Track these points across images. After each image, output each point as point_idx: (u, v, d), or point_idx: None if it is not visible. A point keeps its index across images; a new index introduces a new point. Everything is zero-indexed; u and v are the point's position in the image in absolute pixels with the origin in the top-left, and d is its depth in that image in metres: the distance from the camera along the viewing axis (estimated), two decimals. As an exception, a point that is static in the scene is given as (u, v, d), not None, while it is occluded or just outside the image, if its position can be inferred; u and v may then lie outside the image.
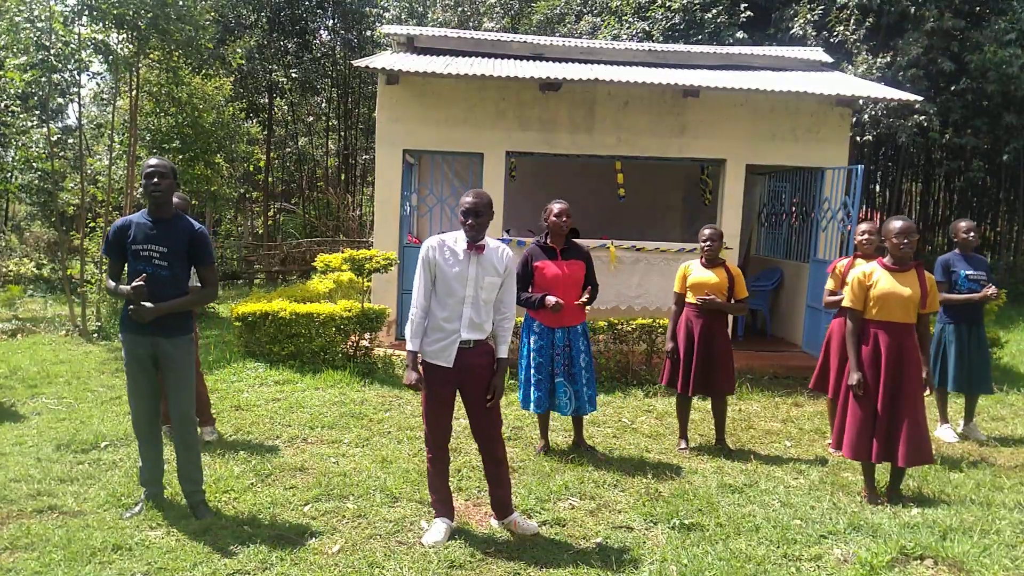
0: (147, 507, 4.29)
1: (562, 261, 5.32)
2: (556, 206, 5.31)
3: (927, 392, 4.63)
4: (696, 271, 5.69)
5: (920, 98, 9.42)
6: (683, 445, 5.82)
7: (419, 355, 3.98)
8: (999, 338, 8.70)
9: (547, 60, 9.94)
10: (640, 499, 4.66)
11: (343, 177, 25.39)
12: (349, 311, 7.88)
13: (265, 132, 22.89)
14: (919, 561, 3.47)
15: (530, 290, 5.35)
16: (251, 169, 18.67)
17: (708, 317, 5.65)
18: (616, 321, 7.98)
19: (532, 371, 5.38)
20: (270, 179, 24.26)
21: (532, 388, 5.39)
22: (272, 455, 5.29)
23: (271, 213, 23.54)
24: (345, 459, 5.27)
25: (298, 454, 5.35)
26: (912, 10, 14.29)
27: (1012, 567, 3.39)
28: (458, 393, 4.05)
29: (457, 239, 3.97)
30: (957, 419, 6.54)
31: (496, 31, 16.17)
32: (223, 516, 4.23)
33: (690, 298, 5.69)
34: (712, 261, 5.69)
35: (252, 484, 4.74)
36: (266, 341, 7.93)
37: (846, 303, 4.75)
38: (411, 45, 10.09)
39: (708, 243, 5.64)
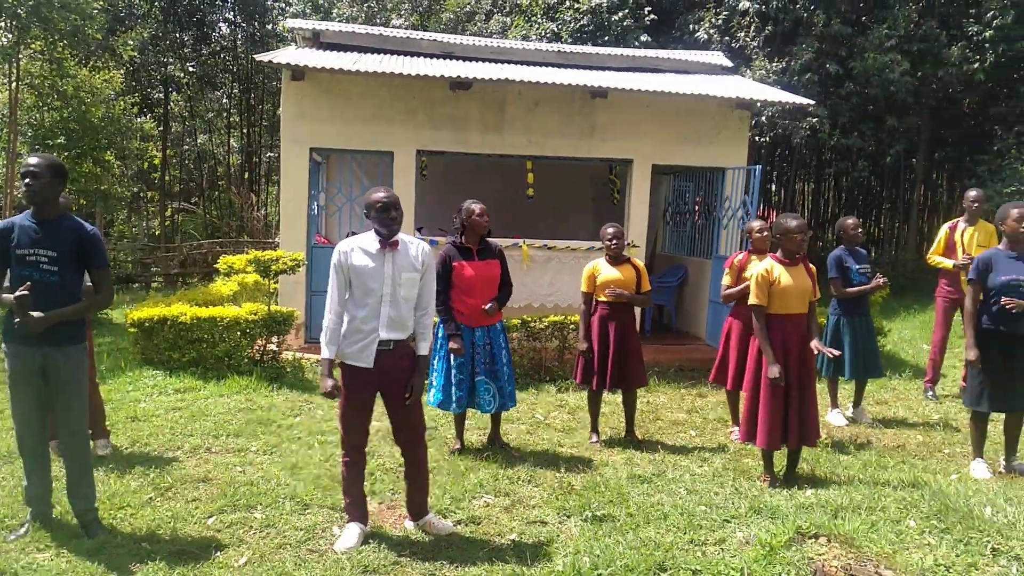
0: (33, 528, 4.04)
1: (478, 261, 5.34)
2: (476, 206, 5.31)
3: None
4: (605, 270, 5.80)
5: (812, 102, 9.91)
6: (594, 438, 5.93)
7: (334, 362, 3.91)
8: (883, 327, 9.25)
9: (457, 59, 9.93)
10: (553, 493, 4.72)
11: (247, 176, 24.62)
12: (255, 314, 7.66)
13: (161, 128, 21.95)
14: (814, 539, 3.64)
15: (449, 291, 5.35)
16: (145, 167, 17.86)
17: (620, 314, 5.78)
18: (529, 319, 8.07)
19: (454, 371, 5.36)
20: (167, 178, 23.28)
21: (454, 388, 5.37)
22: (172, 467, 5.08)
23: (168, 213, 22.59)
24: (252, 468, 5.12)
25: (201, 465, 5.16)
26: (804, 16, 15.00)
27: (897, 541, 3.61)
28: (378, 396, 4.01)
29: (368, 239, 3.93)
30: (846, 404, 6.92)
31: (404, 29, 16.02)
32: (119, 534, 4.02)
33: (600, 296, 5.80)
34: (618, 258, 5.82)
35: (151, 499, 4.54)
36: (165, 347, 7.61)
37: (753, 300, 4.90)
38: (317, 40, 9.89)
39: (614, 241, 5.76)
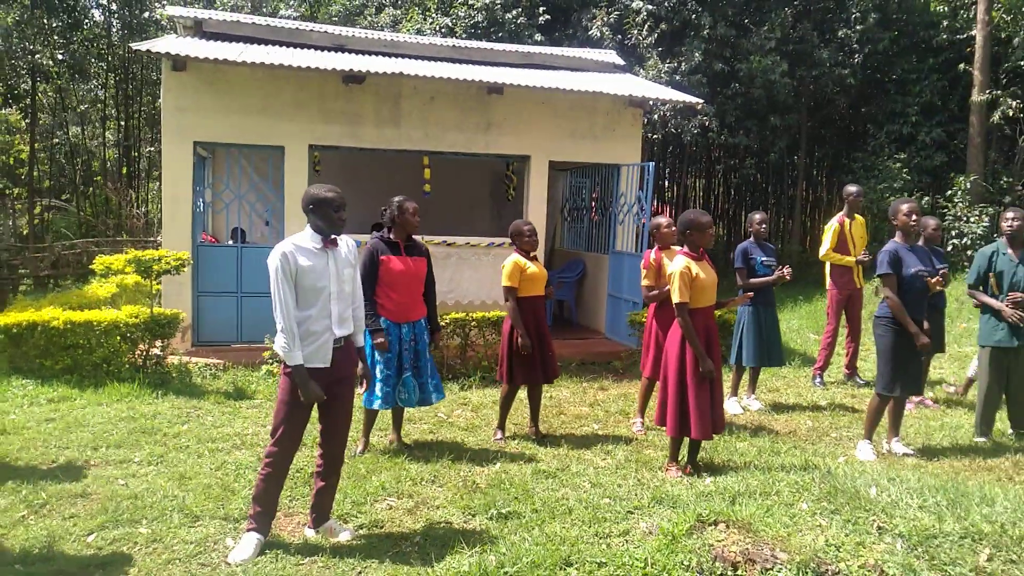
0: None
1: (407, 257, 5.26)
2: (411, 204, 5.26)
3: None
4: (531, 265, 5.74)
5: (701, 100, 10.22)
6: (499, 435, 5.90)
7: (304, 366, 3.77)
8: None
9: (349, 52, 9.68)
10: (458, 493, 4.66)
11: (125, 171, 23.26)
12: (136, 317, 7.23)
13: (28, 121, 20.42)
14: (714, 526, 3.72)
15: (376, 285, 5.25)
16: (11, 162, 16.58)
17: (539, 310, 5.80)
18: (428, 316, 7.94)
19: (380, 367, 5.24)
20: (36, 173, 21.72)
21: (380, 384, 5.25)
22: (47, 482, 4.70)
23: (38, 211, 21.08)
24: (136, 480, 4.81)
25: (79, 479, 4.80)
26: (692, 18, 15.50)
27: (790, 523, 3.73)
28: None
29: (306, 238, 3.85)
30: (741, 393, 7.16)
31: (293, 20, 15.52)
32: (-12, 556, 3.69)
33: (527, 291, 5.71)
34: (530, 254, 5.80)
35: (23, 517, 4.19)
36: (36, 355, 7.07)
37: (678, 298, 4.90)
38: (199, 29, 9.42)
39: (532, 237, 5.74)
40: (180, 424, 6.05)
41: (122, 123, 23.36)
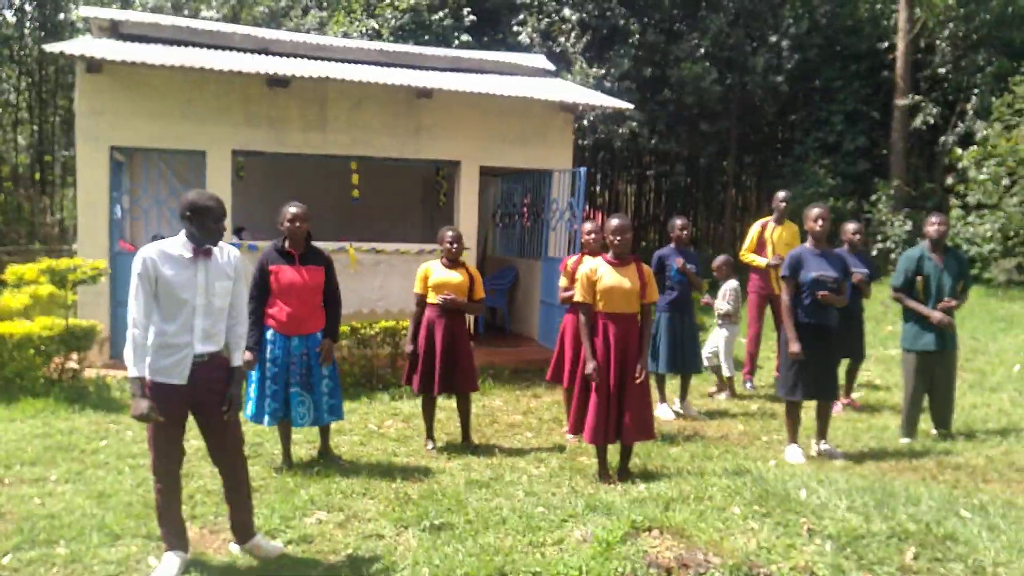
0: None
1: (300, 267, 5.07)
2: (291, 210, 5.04)
3: (639, 375, 4.98)
4: (438, 272, 5.72)
5: (631, 106, 10.34)
6: (430, 446, 5.82)
7: (146, 380, 3.52)
8: (704, 323, 9.82)
9: (274, 55, 9.45)
10: (390, 505, 4.57)
11: (38, 176, 22.25)
12: (50, 329, 6.91)
13: (-67, 124, 19.32)
14: (648, 532, 3.73)
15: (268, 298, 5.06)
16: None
17: (449, 317, 5.70)
18: (359, 325, 7.81)
19: (268, 382, 5.06)
20: (-58, 179, 20.59)
21: (268, 400, 5.07)
22: (-46, 504, 4.42)
23: (-56, 219, 19.94)
24: (52, 498, 4.58)
25: (-11, 499, 4.53)
26: (621, 24, 15.72)
27: (723, 527, 3.77)
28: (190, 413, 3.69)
29: (177, 244, 3.59)
30: (673, 398, 7.24)
31: (215, 21, 15.08)
32: None
33: (432, 298, 5.70)
34: (454, 262, 5.75)
35: (-73, 543, 3.92)
36: (-60, 371, 6.67)
37: (577, 298, 5.03)
38: (115, 30, 9.05)
39: (455, 244, 5.69)
40: (98, 440, 5.79)
41: (35, 127, 22.34)
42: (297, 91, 8.48)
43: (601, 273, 4.95)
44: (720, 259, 7.87)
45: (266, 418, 5.11)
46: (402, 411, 6.88)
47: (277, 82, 8.18)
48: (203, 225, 3.56)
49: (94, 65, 7.73)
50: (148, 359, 3.52)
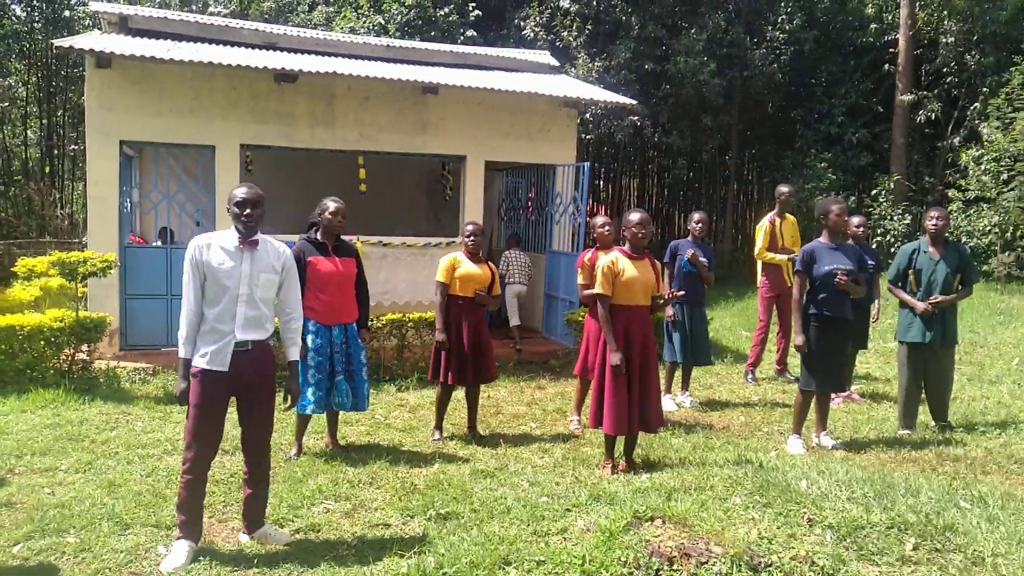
0: None
1: (335, 258, 5.20)
2: (332, 204, 5.19)
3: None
4: (465, 264, 5.74)
5: (635, 102, 10.37)
6: (436, 436, 5.89)
7: (190, 363, 3.69)
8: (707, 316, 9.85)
9: (281, 50, 9.51)
10: (396, 494, 4.64)
11: (48, 170, 22.31)
12: (61, 321, 6.99)
13: (-59, 118, 19.39)
14: (650, 522, 3.78)
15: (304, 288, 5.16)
16: (-76, 161, 15.73)
17: (471, 309, 5.76)
18: (365, 318, 7.87)
19: (312, 371, 5.16)
20: (-49, 173, 20.68)
21: (312, 388, 5.17)
22: (-33, 494, 4.51)
23: (-46, 213, 20.04)
24: (63, 488, 4.65)
25: (2, 488, 4.61)
26: (623, 19, 15.72)
27: (724, 517, 3.82)
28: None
29: (227, 236, 3.78)
30: (675, 390, 7.29)
31: (223, 16, 15.12)
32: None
33: (456, 290, 5.73)
34: (475, 256, 5.80)
35: (-58, 531, 4.00)
36: (-46, 362, 6.75)
37: (598, 290, 5.03)
38: (124, 26, 9.11)
39: (472, 238, 5.73)
40: (108, 430, 5.86)
41: (44, 121, 22.42)
42: (305, 86, 8.54)
43: (623, 266, 5.01)
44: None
45: (311, 406, 5.19)
46: (408, 402, 6.95)
47: (285, 77, 8.24)
48: (234, 215, 3.75)
49: (103, 60, 7.80)
50: (198, 344, 3.69)
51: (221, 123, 8.32)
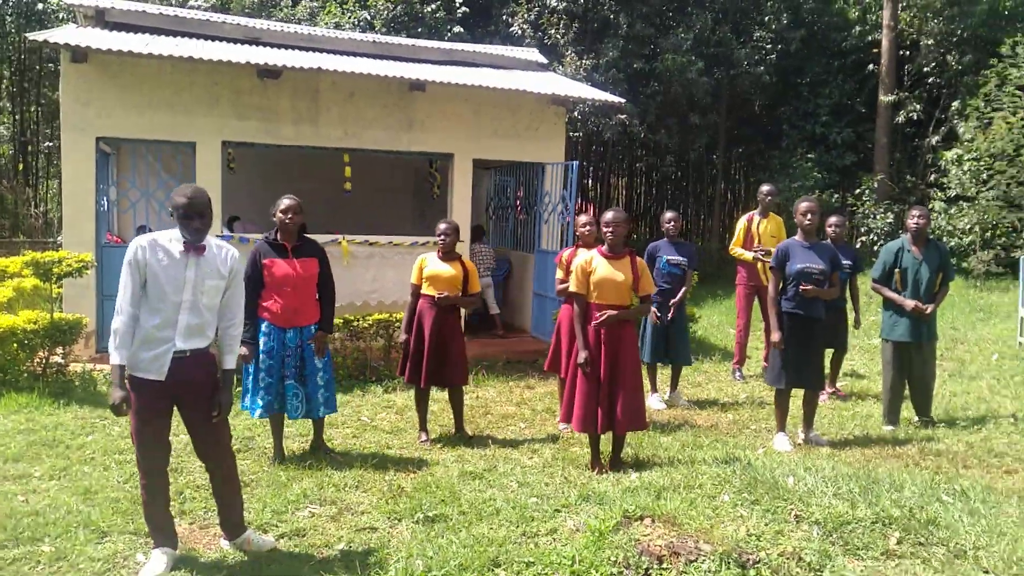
0: None
1: (294, 259, 5.05)
2: (284, 202, 5.04)
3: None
4: (432, 264, 5.73)
5: (623, 100, 10.33)
6: (423, 438, 5.82)
7: (125, 369, 3.48)
8: (694, 314, 9.86)
9: (264, 45, 9.38)
10: (383, 497, 4.57)
11: (21, 167, 22.01)
12: (35, 323, 6.84)
13: (-87, 114, 19.06)
14: (639, 521, 3.76)
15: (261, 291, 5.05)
16: None
17: (440, 309, 5.70)
18: (352, 318, 7.79)
19: (262, 374, 5.04)
20: (-78, 170, 20.35)
21: (262, 392, 5.06)
22: (-63, 501, 4.38)
23: (-75, 211, 19.72)
24: (37, 495, 4.53)
25: (-28, 496, 4.49)
26: (611, 17, 15.71)
27: (713, 515, 3.80)
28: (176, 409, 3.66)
29: (172, 238, 3.56)
30: (664, 389, 7.26)
31: (203, 10, 14.95)
32: None
33: (427, 290, 5.69)
34: (449, 254, 5.74)
35: (-90, 541, 3.88)
36: (-75, 364, 6.60)
37: (572, 289, 5.05)
38: (101, 19, 8.94)
39: (444, 237, 5.69)
40: (84, 435, 5.73)
41: (17, 117, 22.10)
42: (289, 82, 8.42)
43: (595, 265, 4.97)
44: None
45: (258, 410, 5.09)
46: (395, 403, 6.87)
47: (268, 73, 8.12)
48: (182, 222, 3.51)
49: (79, 54, 7.65)
50: (132, 350, 3.48)
51: (202, 119, 8.19)
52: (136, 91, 7.97)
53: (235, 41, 9.31)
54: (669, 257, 6.88)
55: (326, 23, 15.65)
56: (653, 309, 6.66)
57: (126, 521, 4.14)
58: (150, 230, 8.66)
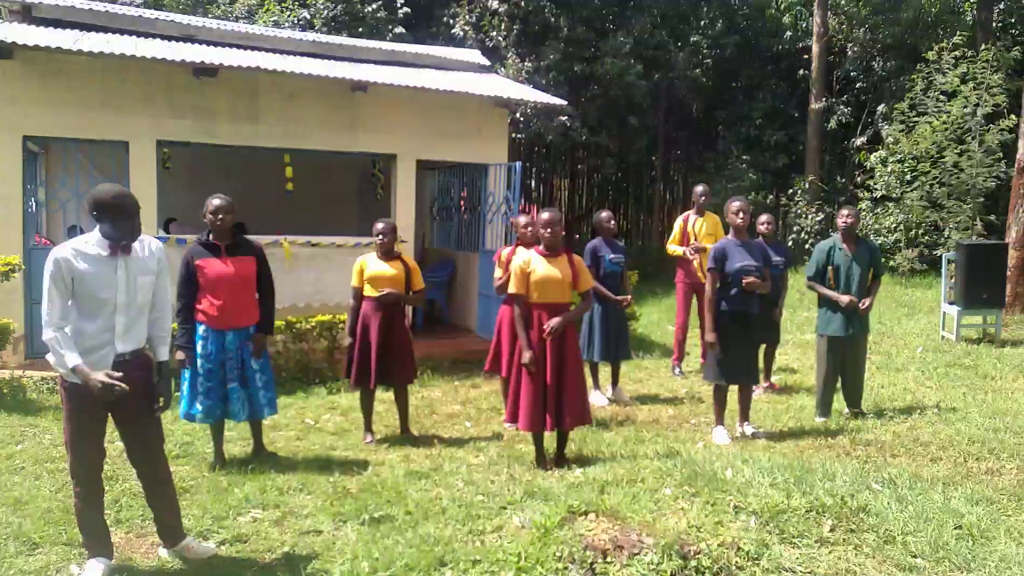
0: None
1: (227, 258, 4.95)
2: (213, 202, 4.92)
3: None
4: (373, 264, 5.69)
5: (564, 102, 10.44)
6: (369, 438, 5.79)
7: (77, 368, 3.33)
8: (634, 312, 10.02)
9: (200, 43, 9.18)
10: (328, 500, 4.53)
11: (-55, 169, 21.04)
12: (-40, 329, 6.56)
13: None
14: (584, 516, 3.80)
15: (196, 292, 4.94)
16: None
17: (386, 310, 5.68)
18: (295, 320, 7.69)
19: (200, 379, 4.94)
20: None
21: (201, 397, 4.96)
22: None
23: None
24: (-37, 508, 4.36)
25: None
26: (551, 20, 15.84)
27: (655, 509, 3.88)
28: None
29: (92, 241, 3.43)
30: (605, 385, 7.37)
31: (137, 7, 14.53)
32: None
33: (369, 292, 5.66)
34: (388, 254, 5.72)
35: None
36: None
37: (511, 290, 5.08)
38: (28, 14, 8.64)
39: (382, 237, 5.66)
40: (13, 444, 5.54)
41: (-61, 116, 21.09)
42: (226, 81, 8.25)
43: (534, 265, 5.02)
44: None
45: (199, 416, 5.00)
46: (340, 405, 6.81)
47: (205, 71, 7.95)
48: (115, 223, 3.39)
49: (4, 50, 7.35)
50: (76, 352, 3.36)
51: (135, 118, 7.97)
52: (65, 89, 7.71)
53: (170, 38, 9.09)
54: (612, 256, 6.99)
55: (264, 21, 15.38)
56: (622, 298, 6.79)
57: (58, 532, 4.02)
58: (82, 230, 8.41)
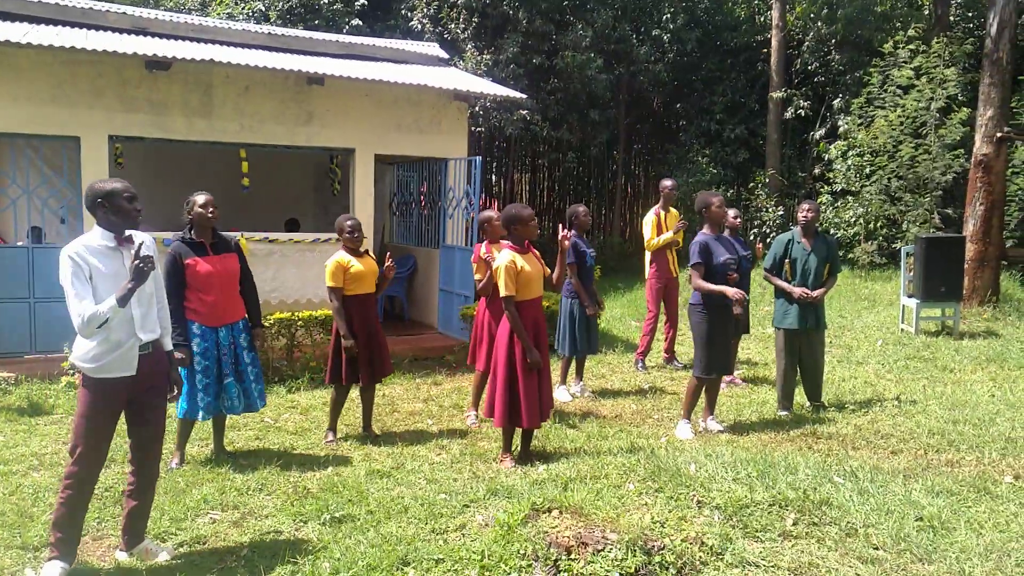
0: None
1: (214, 256, 4.93)
2: (200, 197, 4.93)
3: None
4: (355, 263, 5.60)
5: (524, 96, 10.42)
6: (331, 438, 5.74)
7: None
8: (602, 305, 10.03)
9: (153, 36, 8.98)
10: (288, 500, 4.48)
11: None
12: (-97, 330, 6.33)
13: None
14: (548, 513, 3.80)
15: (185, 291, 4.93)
16: None
17: (365, 307, 5.65)
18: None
19: (198, 376, 4.92)
20: None
21: (200, 394, 4.94)
22: None
23: None
24: (-89, 514, 4.23)
25: None
26: (511, 12, 15.78)
27: (619, 505, 3.89)
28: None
29: (96, 238, 3.51)
30: (569, 381, 7.39)
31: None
32: None
33: (354, 290, 5.57)
34: (357, 251, 5.67)
35: None
36: None
37: (506, 292, 4.96)
38: (-26, 7, 8.36)
39: (355, 233, 5.60)
40: (-38, 450, 5.37)
41: None
42: (179, 75, 8.09)
43: (521, 263, 5.02)
44: None
45: (200, 413, 4.98)
46: (300, 403, 6.73)
47: (157, 65, 7.78)
48: (119, 208, 3.50)
49: (-51, 43, 7.12)
50: (96, 359, 3.44)
51: (86, 112, 7.77)
52: (13, 83, 7.48)
53: (121, 31, 8.87)
54: (589, 251, 6.98)
55: (218, 13, 15.09)
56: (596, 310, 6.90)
57: (13, 535, 3.94)
58: (43, 231, 8.20)
